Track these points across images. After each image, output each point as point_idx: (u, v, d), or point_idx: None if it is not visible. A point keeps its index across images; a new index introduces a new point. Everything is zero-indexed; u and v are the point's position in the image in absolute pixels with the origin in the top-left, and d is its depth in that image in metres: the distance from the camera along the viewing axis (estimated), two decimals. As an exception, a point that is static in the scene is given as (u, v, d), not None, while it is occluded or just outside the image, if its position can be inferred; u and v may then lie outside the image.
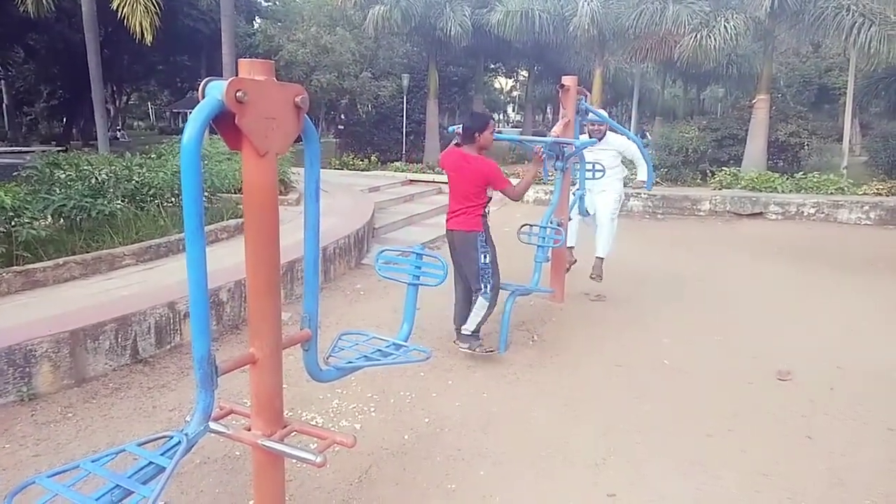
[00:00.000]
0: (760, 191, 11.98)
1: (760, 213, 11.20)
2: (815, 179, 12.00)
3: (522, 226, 5.07)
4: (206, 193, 6.76)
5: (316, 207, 2.38)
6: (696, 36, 16.78)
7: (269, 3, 30.34)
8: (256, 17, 26.94)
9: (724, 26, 16.55)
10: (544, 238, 4.98)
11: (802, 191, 11.89)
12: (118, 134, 37.49)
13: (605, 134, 6.01)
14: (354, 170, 18.23)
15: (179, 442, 1.90)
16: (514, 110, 58.14)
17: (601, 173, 5.74)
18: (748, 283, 6.91)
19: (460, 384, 3.98)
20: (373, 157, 20.68)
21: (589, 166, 5.81)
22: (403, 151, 23.55)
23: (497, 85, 50.14)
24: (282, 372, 2.23)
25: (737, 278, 7.12)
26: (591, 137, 6.01)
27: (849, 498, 2.85)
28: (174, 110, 49.42)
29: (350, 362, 2.64)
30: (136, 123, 59.11)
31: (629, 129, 26.63)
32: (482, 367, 4.27)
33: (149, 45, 10.15)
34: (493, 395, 3.84)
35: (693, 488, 2.89)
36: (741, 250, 8.79)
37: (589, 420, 3.55)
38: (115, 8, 9.99)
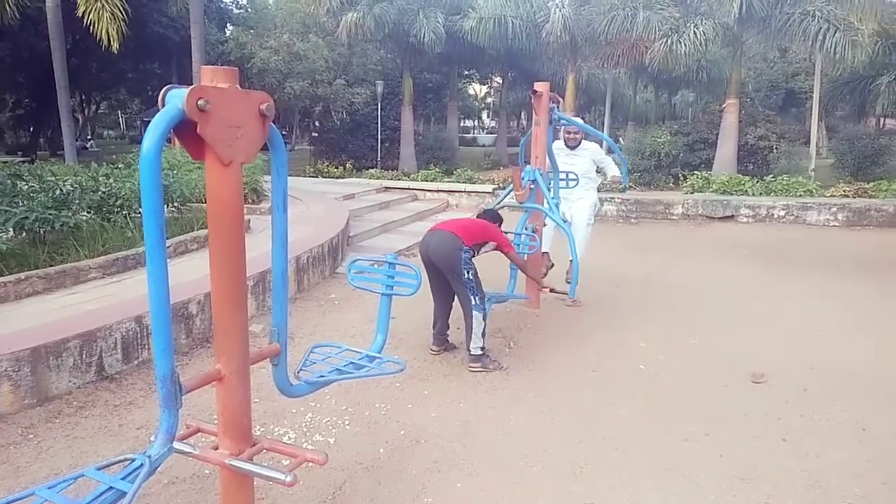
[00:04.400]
0: (731, 194, 12.14)
1: (732, 216, 11.35)
2: (784, 182, 12.21)
3: (497, 232, 5.05)
4: (175, 204, 6.63)
5: (284, 218, 2.32)
6: (666, 41, 17.00)
7: (241, 11, 30.09)
8: (228, 25, 26.66)
9: (694, 32, 16.80)
10: (519, 245, 4.96)
11: (772, 193, 12.08)
12: (87, 144, 36.79)
13: (580, 142, 6.04)
14: (329, 177, 18.09)
15: (142, 465, 1.82)
16: (488, 116, 58.41)
17: (575, 182, 5.76)
18: (722, 285, 6.98)
19: (436, 394, 3.93)
20: (347, 165, 20.55)
21: (562, 175, 5.82)
22: (378, 158, 23.47)
23: (472, 91, 50.35)
24: (250, 388, 2.16)
25: (710, 281, 7.18)
26: (566, 145, 6.04)
27: (825, 499, 2.85)
28: (145, 119, 48.67)
29: (322, 376, 2.57)
30: (106, 133, 58.09)
31: (603, 133, 26.81)
32: (458, 376, 4.23)
33: (116, 52, 9.96)
34: (470, 404, 3.79)
35: (671, 494, 2.88)
36: (714, 253, 8.88)
37: (566, 427, 3.52)
38: (80, 15, 9.79)
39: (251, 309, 5.13)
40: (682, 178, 18.52)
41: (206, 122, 1.84)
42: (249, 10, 31.04)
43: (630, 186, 17.18)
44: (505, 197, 5.49)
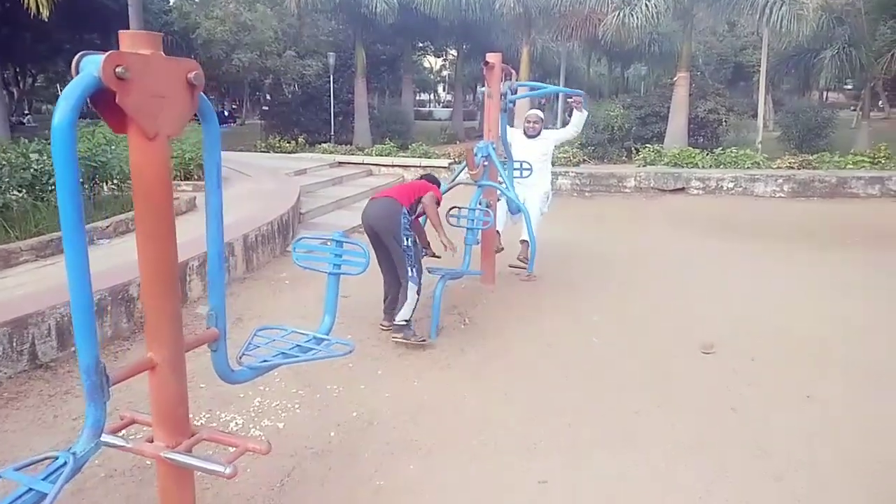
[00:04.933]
0: (682, 167, 12.33)
1: (683, 189, 11.54)
2: (732, 155, 12.46)
3: (451, 208, 4.97)
4: (114, 181, 6.32)
5: (218, 195, 2.19)
6: (618, 14, 16.99)
7: (185, -22, 28.82)
8: (170, -8, 25.48)
9: (646, 5, 16.80)
10: (473, 220, 4.90)
11: (721, 166, 12.32)
12: (24, 118, 35.00)
13: (539, 132, 5.95)
14: (281, 152, 17.65)
15: (65, 463, 1.69)
16: (444, 90, 57.89)
17: (529, 172, 5.68)
18: (674, 257, 7.08)
19: (390, 373, 3.87)
20: (300, 139, 20.05)
21: (517, 165, 5.73)
22: (332, 133, 22.99)
23: (427, 64, 49.70)
24: (185, 377, 2.04)
25: (662, 254, 7.28)
26: (525, 134, 5.94)
27: (771, 467, 2.91)
28: (86, 92, 46.40)
29: (265, 361, 2.46)
30: (45, 107, 55.22)
31: (557, 110, 26.91)
32: (413, 354, 4.16)
33: (49, 21, 9.36)
34: (424, 384, 3.74)
35: (624, 467, 2.89)
36: (666, 225, 9.02)
37: (520, 404, 3.51)
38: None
39: (198, 290, 4.94)
40: (634, 152, 18.75)
41: (126, 92, 1.68)
42: (194, -23, 29.79)
43: (584, 160, 17.34)
44: (459, 174, 5.38)
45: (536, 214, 5.85)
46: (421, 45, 33.53)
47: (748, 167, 12.03)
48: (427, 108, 49.89)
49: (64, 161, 1.61)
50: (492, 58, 5.08)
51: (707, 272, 6.39)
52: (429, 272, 4.51)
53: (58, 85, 55.05)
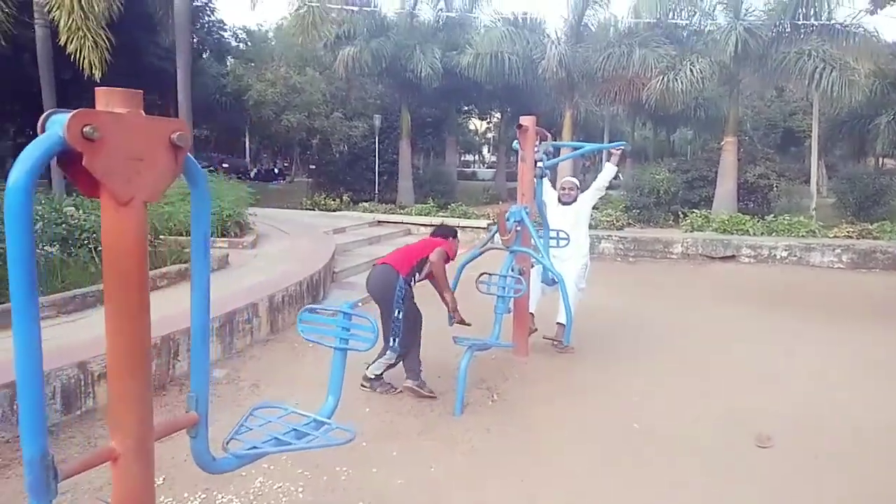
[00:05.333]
0: (732, 233, 11.85)
1: (733, 256, 11.03)
2: (786, 222, 11.93)
3: (481, 275, 4.71)
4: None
5: (205, 265, 1.98)
6: (662, 79, 16.93)
7: (239, 44, 30.27)
8: (228, 58, 26.73)
9: (690, 70, 16.73)
10: (504, 288, 4.62)
11: (774, 233, 11.79)
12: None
13: (575, 198, 5.70)
14: (325, 210, 17.83)
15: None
16: (489, 151, 58.69)
17: (566, 241, 5.38)
18: (724, 331, 6.61)
19: (407, 455, 3.54)
20: (344, 198, 20.29)
21: (553, 234, 5.44)
22: (376, 191, 23.28)
23: (472, 126, 50.61)
24: (152, 468, 1.79)
25: (711, 326, 6.82)
26: (560, 201, 5.70)
27: None
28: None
29: (255, 447, 2.20)
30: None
31: (600, 171, 26.67)
32: (433, 432, 3.84)
33: (108, 81, 9.76)
34: (442, 470, 3.40)
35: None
36: (714, 296, 8.54)
37: (548, 500, 3.13)
38: (62, 43, 9.64)
39: (217, 352, 4.75)
40: (681, 216, 18.31)
41: (94, 153, 1.51)
42: (249, 43, 31.28)
43: (629, 223, 16.96)
44: (490, 239, 5.13)
45: (574, 291, 5.44)
46: (466, 107, 34.15)
47: (803, 235, 11.48)
48: (471, 169, 50.48)
49: (18, 226, 1.43)
50: (525, 121, 4.91)
51: (761, 350, 5.90)
52: (455, 342, 4.21)
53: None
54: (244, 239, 8.34)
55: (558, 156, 5.30)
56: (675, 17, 19.02)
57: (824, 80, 15.88)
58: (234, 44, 30.58)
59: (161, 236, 6.69)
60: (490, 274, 4.70)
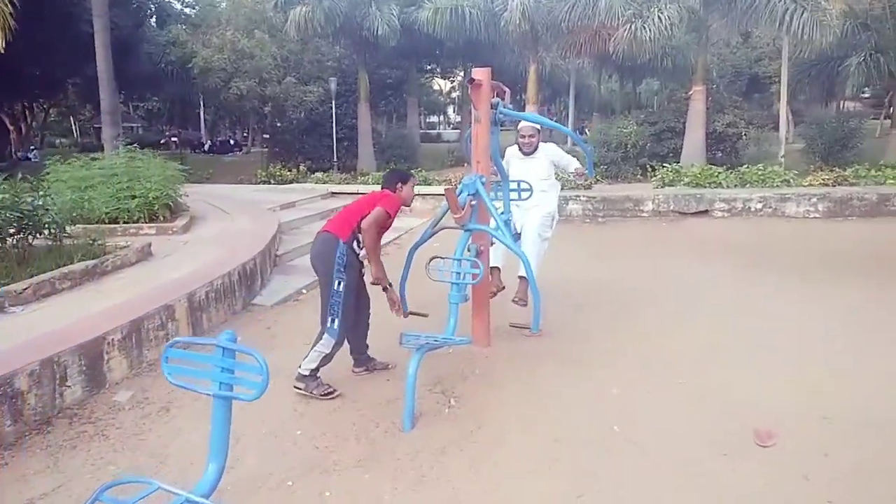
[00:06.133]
0: (704, 187, 11.31)
1: (706, 211, 10.52)
2: (759, 172, 11.41)
3: (432, 258, 4.02)
4: (50, 230, 5.44)
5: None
6: (630, 27, 16.19)
7: (188, 8, 28.55)
8: (168, 23, 25.10)
9: (658, 16, 16.01)
10: (459, 273, 3.94)
11: (747, 185, 11.28)
12: (30, 153, 34.83)
13: (536, 146, 5.06)
14: (281, 182, 16.87)
15: None
16: (454, 111, 57.43)
17: (528, 193, 4.75)
18: (704, 298, 6.05)
19: (341, 495, 2.89)
20: (301, 167, 19.26)
21: (513, 185, 4.81)
22: (335, 159, 22.30)
23: (436, 87, 49.26)
24: None
25: (689, 292, 6.27)
26: (521, 151, 5.06)
27: None
28: (95, 126, 46.54)
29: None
30: (59, 141, 55.46)
31: (567, 126, 26.06)
32: (377, 460, 3.18)
33: (3, 52, 8.65)
34: (386, 510, 2.77)
35: None
36: (690, 255, 8.01)
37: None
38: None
39: (120, 371, 4.00)
40: (650, 170, 17.79)
41: None
42: (196, 7, 29.52)
43: (597, 179, 16.37)
44: (441, 218, 4.42)
45: (536, 241, 4.86)
46: (428, 67, 32.96)
47: (777, 185, 10.98)
48: (436, 131, 49.35)
49: None
50: (478, 74, 4.16)
51: (748, 320, 5.35)
52: (401, 343, 3.54)
53: (71, 118, 55.59)
54: (174, 223, 7.48)
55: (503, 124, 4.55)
56: (642, -39, 18.20)
57: (795, 22, 15.30)
58: (180, 8, 28.85)
59: (70, 226, 5.81)
60: (442, 258, 4.02)
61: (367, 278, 4.02)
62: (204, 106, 36.22)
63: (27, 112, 36.86)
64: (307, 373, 3.82)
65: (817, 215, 10.17)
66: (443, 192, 4.14)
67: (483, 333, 4.53)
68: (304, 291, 6.35)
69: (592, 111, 31.00)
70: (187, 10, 28.04)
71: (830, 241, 8.65)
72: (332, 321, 3.72)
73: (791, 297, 6.02)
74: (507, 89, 4.39)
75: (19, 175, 6.79)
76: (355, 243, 3.80)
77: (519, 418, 3.61)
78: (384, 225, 3.84)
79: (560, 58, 24.33)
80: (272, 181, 17.45)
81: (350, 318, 3.84)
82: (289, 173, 18.25)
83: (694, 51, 20.33)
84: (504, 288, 4.99)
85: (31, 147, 38.58)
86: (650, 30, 15.91)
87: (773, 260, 7.60)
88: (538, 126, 5.21)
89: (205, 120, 41.37)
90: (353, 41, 22.25)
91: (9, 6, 8.59)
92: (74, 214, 6.87)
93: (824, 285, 6.37)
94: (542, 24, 18.71)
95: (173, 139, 37.70)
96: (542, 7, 18.27)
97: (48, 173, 8.02)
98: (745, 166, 12.00)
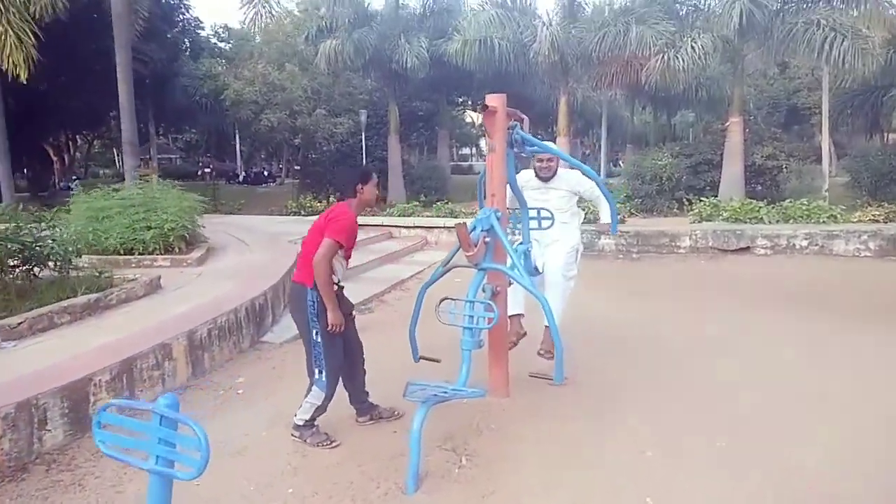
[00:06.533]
0: (745, 222, 10.77)
1: (747, 248, 9.96)
2: (803, 207, 10.83)
3: (442, 300, 3.66)
4: (56, 263, 5.26)
5: None
6: (662, 57, 15.85)
7: (220, 43, 29.21)
8: (204, 57, 25.67)
9: (692, 46, 15.65)
10: (472, 317, 3.58)
11: (791, 220, 10.70)
12: (72, 183, 35.83)
13: (555, 172, 4.67)
14: (311, 213, 16.71)
15: None
16: (487, 144, 57.48)
17: (549, 222, 4.39)
18: (749, 346, 5.54)
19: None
20: (332, 198, 19.17)
21: (533, 213, 4.45)
22: (364, 190, 22.25)
23: (468, 119, 49.48)
24: None
25: (730, 338, 5.76)
26: (538, 176, 4.68)
27: None
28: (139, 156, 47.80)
29: None
30: (101, 171, 57.17)
31: (600, 159, 25.63)
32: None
33: (26, 82, 8.75)
34: None
35: None
36: (731, 295, 7.48)
37: None
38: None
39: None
40: (686, 203, 17.24)
41: None
42: (231, 42, 30.21)
43: (631, 213, 15.89)
44: (453, 256, 4.06)
45: (559, 281, 4.44)
46: (459, 99, 33.04)
47: (823, 221, 10.39)
48: (467, 163, 49.34)
49: None
50: (493, 100, 3.85)
51: (796, 371, 4.84)
52: (405, 395, 3.18)
53: (114, 150, 57.37)
54: (189, 255, 7.30)
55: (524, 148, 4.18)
56: (674, -10, 17.97)
57: (835, 51, 14.78)
58: (216, 43, 29.55)
59: (83, 257, 5.64)
60: (453, 299, 3.66)
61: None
62: (240, 138, 36.86)
63: (70, 143, 38.09)
64: (301, 423, 3.56)
65: (868, 254, 9.53)
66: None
67: (501, 383, 4.13)
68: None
69: (626, 143, 30.59)
70: (222, 45, 28.66)
71: (886, 283, 8.02)
72: (319, 372, 3.46)
73: (848, 344, 5.48)
74: (524, 117, 4.06)
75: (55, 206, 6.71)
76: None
77: (539, 482, 3.20)
78: (348, 250, 3.58)
79: (591, 89, 24.05)
80: (302, 212, 17.37)
81: (339, 364, 3.55)
82: (318, 204, 18.18)
83: (729, 81, 19.90)
84: (525, 334, 4.56)
85: (74, 177, 39.73)
86: (683, 60, 15.55)
87: (824, 303, 7.02)
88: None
89: (241, 151, 42.10)
90: (383, 73, 22.38)
91: (32, 38, 8.68)
92: (89, 245, 6.75)
93: (886, 331, 5.80)
94: (572, 54, 18.50)
95: (207, 170, 38.36)
96: (572, 38, 18.07)
97: (72, 203, 7.98)
98: (788, 200, 11.43)
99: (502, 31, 19.03)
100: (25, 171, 32.43)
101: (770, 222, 10.62)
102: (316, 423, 3.59)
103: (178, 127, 38.24)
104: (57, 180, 34.54)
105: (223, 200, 20.31)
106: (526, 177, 4.68)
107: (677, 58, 15.65)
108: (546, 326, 4.35)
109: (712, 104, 24.94)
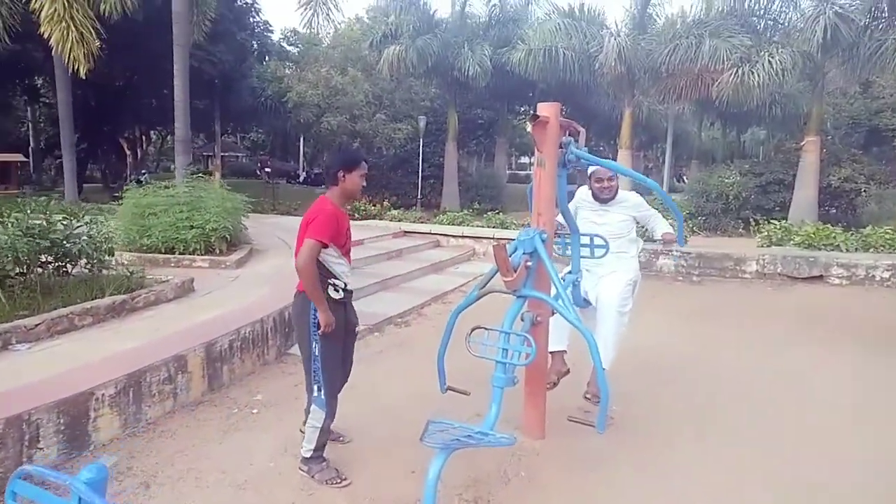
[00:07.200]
0: (818, 248, 9.94)
1: (820, 277, 9.16)
2: (887, 236, 9.91)
3: (474, 329, 3.27)
4: (89, 261, 5.16)
5: None
6: (736, 72, 15.08)
7: (290, 47, 29.67)
8: (267, 59, 26.10)
9: (769, 61, 14.82)
10: (506, 350, 3.19)
11: (871, 249, 9.81)
12: (141, 176, 37.16)
13: (615, 193, 4.22)
14: (367, 217, 16.62)
15: None
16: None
17: (603, 250, 3.95)
18: (822, 390, 4.93)
19: None
20: (385, 203, 19.08)
21: (585, 240, 4.02)
22: (418, 196, 22.16)
23: (529, 128, 48.92)
24: None
25: (805, 382, 5.15)
26: (596, 197, 4.25)
27: None
28: (204, 153, 49.31)
29: None
30: (172, 165, 59.47)
31: (663, 174, 24.69)
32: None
33: (85, 77, 8.87)
34: None
35: None
36: (803, 330, 6.80)
37: None
38: (44, 35, 8.79)
39: (109, 431, 3.49)
40: (753, 224, 16.32)
41: None
42: (299, 46, 30.69)
43: (693, 231, 15.11)
44: (490, 279, 3.68)
45: (613, 316, 3.95)
46: (520, 109, 32.62)
47: (908, 252, 9.47)
48: (525, 172, 48.78)
49: None
50: (545, 109, 3.45)
51: (873, 420, 4.25)
52: (421, 438, 2.80)
53: (184, 146, 59.32)
54: (229, 257, 7.16)
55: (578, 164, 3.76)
56: (752, 3, 17.08)
57: (929, 70, 13.76)
58: (284, 46, 30.06)
59: (125, 254, 5.52)
60: (487, 328, 3.27)
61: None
62: (303, 139, 37.46)
63: (143, 138, 39.63)
64: (309, 454, 3.27)
65: (960, 291, 8.61)
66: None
67: (536, 423, 3.71)
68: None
69: (691, 158, 29.45)
70: (290, 48, 29.12)
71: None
72: (318, 390, 3.20)
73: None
74: (581, 129, 3.64)
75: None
76: (330, 288, 3.22)
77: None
78: (341, 248, 3.27)
79: (658, 102, 23.22)
80: (357, 215, 17.26)
81: (338, 380, 3.36)
82: (373, 208, 18.07)
83: (807, 99, 18.84)
84: (568, 372, 4.09)
85: (143, 171, 41.26)
86: (759, 75, 14.74)
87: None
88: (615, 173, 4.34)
89: (304, 153, 42.86)
90: (445, 81, 22.26)
91: (93, 34, 8.79)
92: (131, 243, 6.69)
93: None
94: (639, 66, 17.86)
95: (266, 170, 39.14)
96: (641, 49, 17.42)
97: (123, 198, 8.00)
98: (869, 227, 10.50)
99: (568, 41, 18.57)
100: (102, 165, 33.86)
101: (847, 250, 9.76)
102: (325, 455, 3.28)
103: (244, 127, 39.23)
104: (129, 173, 35.94)
105: (281, 200, 20.49)
106: (582, 195, 4.26)
107: (752, 73, 14.86)
108: (594, 367, 3.92)
109: (786, 122, 23.76)
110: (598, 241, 3.97)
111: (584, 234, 4.03)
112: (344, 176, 3.25)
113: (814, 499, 3.22)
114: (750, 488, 3.30)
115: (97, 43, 9.01)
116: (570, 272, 3.99)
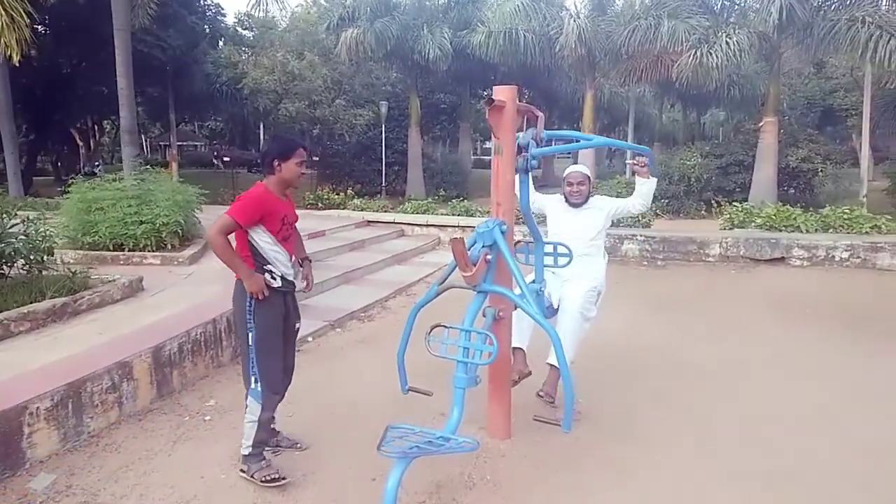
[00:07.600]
0: (779, 230, 10.05)
1: (782, 258, 9.26)
2: (845, 216, 10.06)
3: (433, 327, 3.12)
4: (26, 262, 4.84)
5: None
6: (694, 53, 15.16)
7: (244, 31, 28.89)
8: (220, 43, 25.34)
9: (727, 42, 14.92)
10: (468, 349, 3.04)
11: (830, 229, 9.96)
12: (95, 168, 35.95)
13: (586, 198, 4.10)
14: (330, 206, 16.26)
15: None
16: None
17: (567, 258, 3.81)
18: (789, 374, 4.92)
19: None
20: (349, 191, 18.73)
21: (549, 248, 3.87)
22: (383, 183, 21.86)
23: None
24: None
25: (765, 365, 5.15)
26: (567, 201, 4.12)
27: None
28: (162, 143, 47.90)
29: None
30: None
31: (626, 157, 24.80)
32: None
33: (18, 65, 8.40)
34: None
35: None
36: (767, 312, 6.83)
37: None
38: (-27, 21, 8.27)
39: (46, 447, 3.25)
40: (714, 205, 16.55)
41: None
42: (254, 30, 29.89)
43: (656, 214, 15.20)
44: (449, 275, 3.54)
45: (576, 319, 3.82)
46: (483, 93, 32.40)
47: (866, 231, 9.63)
48: (490, 157, 48.72)
49: None
50: (501, 93, 3.29)
51: (843, 407, 4.24)
52: (378, 446, 2.64)
53: (142, 135, 57.79)
54: (182, 253, 6.85)
55: (551, 146, 3.63)
56: (708, -16, 17.20)
57: (880, 50, 14.00)
58: (239, 30, 29.23)
59: (53, 254, 5.20)
60: (447, 326, 3.12)
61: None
62: (264, 127, 36.65)
63: (96, 128, 38.26)
64: (248, 451, 3.13)
65: (915, 268, 8.79)
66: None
67: (501, 423, 3.59)
68: (310, 340, 5.57)
69: (653, 141, 29.71)
70: (244, 32, 28.33)
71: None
72: (255, 381, 3.07)
73: (896, 376, 4.85)
74: (540, 114, 3.47)
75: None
76: (266, 275, 3.09)
77: (537, 554, 2.67)
78: (276, 234, 3.13)
79: (619, 85, 23.31)
80: (319, 205, 16.89)
81: (276, 371, 3.16)
82: (336, 197, 17.70)
83: (764, 80, 19.10)
84: (530, 373, 3.95)
85: (97, 163, 39.91)
86: (717, 56, 14.84)
87: (872, 324, 6.33)
88: (587, 173, 4.17)
89: (265, 140, 42.00)
90: (405, 65, 21.92)
91: (24, 17, 8.28)
92: (75, 240, 6.36)
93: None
94: (599, 48, 17.85)
95: (224, 158, 38.14)
96: (601, 31, 17.40)
97: (69, 193, 7.60)
98: (828, 208, 10.66)
99: (528, 23, 18.43)
100: (54, 157, 32.63)
101: (808, 231, 9.88)
102: (264, 452, 3.17)
103: (201, 115, 38.19)
104: (82, 165, 34.71)
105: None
106: (554, 201, 4.16)
107: (711, 54, 14.94)
108: (549, 365, 3.80)
109: (744, 103, 24.12)
110: (561, 249, 3.83)
111: (547, 243, 3.90)
112: (280, 165, 3.11)
113: (791, 489, 3.17)
114: (722, 483, 3.24)
115: (31, 28, 8.49)
116: (532, 282, 3.84)
